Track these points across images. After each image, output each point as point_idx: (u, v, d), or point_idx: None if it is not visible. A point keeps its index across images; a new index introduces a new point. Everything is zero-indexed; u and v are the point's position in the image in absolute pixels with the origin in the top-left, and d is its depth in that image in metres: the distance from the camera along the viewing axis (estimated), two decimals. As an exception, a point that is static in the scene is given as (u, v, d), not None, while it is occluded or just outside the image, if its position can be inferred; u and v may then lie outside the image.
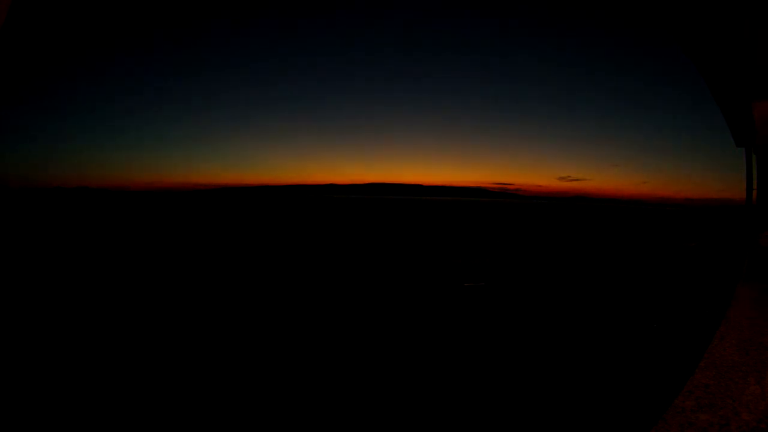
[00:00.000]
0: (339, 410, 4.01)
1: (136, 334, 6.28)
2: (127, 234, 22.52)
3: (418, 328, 6.73)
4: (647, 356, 5.36)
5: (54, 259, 13.49)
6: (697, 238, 26.17)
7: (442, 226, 34.31)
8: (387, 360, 5.30)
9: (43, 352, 5.44)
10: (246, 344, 5.86)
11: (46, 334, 6.27)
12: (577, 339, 6.19)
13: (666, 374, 4.58)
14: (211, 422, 3.79)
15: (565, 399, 4.21)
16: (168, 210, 55.10)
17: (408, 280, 10.81)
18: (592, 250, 18.83)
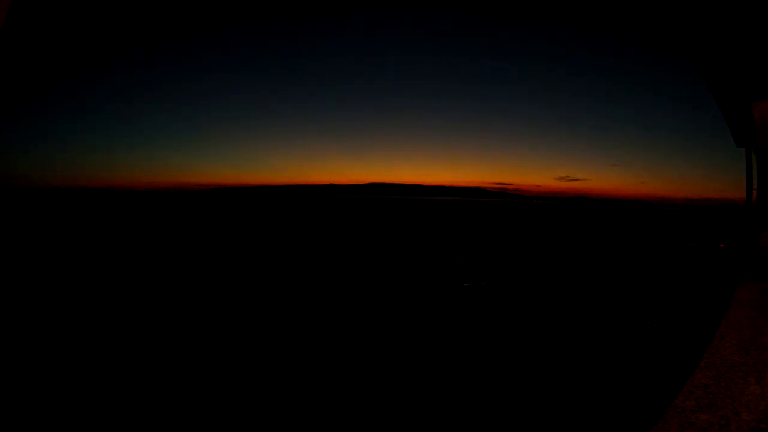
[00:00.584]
0: (340, 409, 4.01)
1: (137, 333, 6.28)
2: (128, 234, 22.51)
3: (419, 327, 6.73)
4: (647, 356, 5.36)
5: (54, 259, 13.48)
6: (697, 238, 26.16)
7: (442, 226, 34.31)
8: (387, 359, 5.29)
9: (43, 352, 5.44)
10: (246, 344, 5.86)
11: (46, 333, 6.27)
12: (577, 339, 6.19)
13: (666, 374, 4.58)
14: (211, 422, 3.78)
15: (566, 399, 4.21)
16: (168, 210, 55.08)
17: (408, 280, 10.80)
18: (592, 250, 18.82)
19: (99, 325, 6.66)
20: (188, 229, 26.75)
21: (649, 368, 4.89)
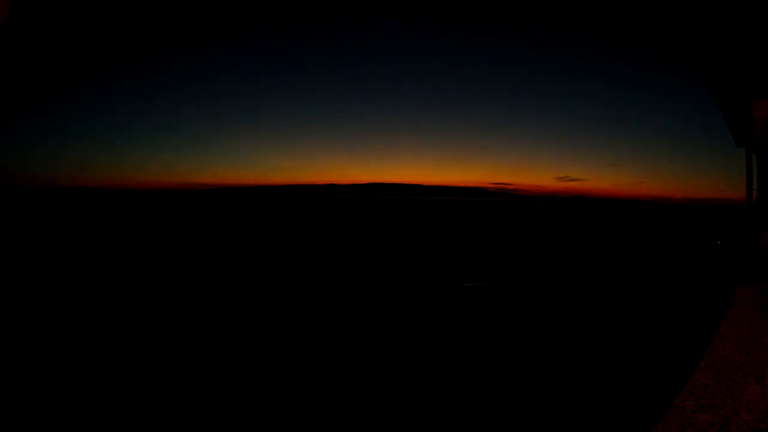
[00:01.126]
0: (340, 408, 4.01)
1: (137, 333, 6.28)
2: (128, 234, 22.51)
3: (419, 327, 6.73)
4: (647, 356, 5.36)
5: (54, 258, 13.48)
6: (697, 238, 26.16)
7: (442, 226, 34.31)
8: (388, 359, 5.29)
9: (43, 351, 5.43)
10: (247, 342, 5.86)
11: (46, 333, 6.27)
12: (578, 339, 6.19)
13: (666, 374, 4.58)
14: (211, 421, 3.78)
15: (566, 398, 4.21)
16: (168, 210, 55.07)
17: (408, 279, 10.80)
18: (592, 250, 18.82)
19: (99, 325, 6.66)
20: (188, 229, 26.74)
21: (649, 368, 4.89)
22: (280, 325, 6.76)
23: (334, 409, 4.02)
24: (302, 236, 22.93)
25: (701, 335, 5.35)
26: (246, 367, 5.01)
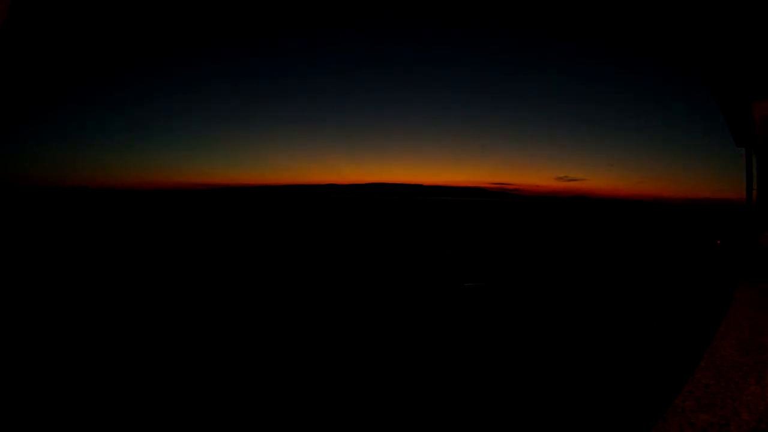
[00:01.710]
0: (339, 410, 4.01)
1: (137, 333, 6.28)
2: (128, 234, 22.51)
3: (419, 328, 6.73)
4: (647, 356, 5.36)
5: (54, 258, 13.48)
6: (697, 238, 26.17)
7: (442, 226, 34.31)
8: (387, 360, 5.29)
9: (43, 352, 5.43)
10: (246, 344, 5.86)
11: (46, 333, 6.27)
12: (577, 339, 6.19)
13: (666, 374, 4.58)
14: (211, 422, 3.78)
15: (566, 399, 4.21)
16: (168, 210, 55.08)
17: (408, 280, 10.80)
18: (592, 249, 18.83)
19: (99, 325, 6.66)
20: (188, 229, 26.74)
21: (649, 368, 4.89)
22: (280, 325, 6.76)
23: (333, 409, 4.01)
24: (302, 236, 22.92)
25: (701, 335, 5.35)
26: (246, 367, 5.01)
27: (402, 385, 4.56)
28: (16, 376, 4.70)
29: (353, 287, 9.86)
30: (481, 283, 10.49)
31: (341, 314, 7.52)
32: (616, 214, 72.43)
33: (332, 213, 55.71)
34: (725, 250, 17.59)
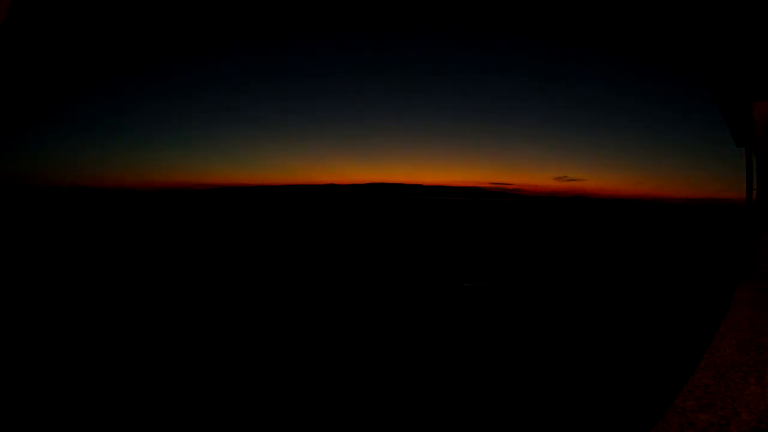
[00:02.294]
0: (338, 410, 4.01)
1: (136, 334, 6.28)
2: (127, 234, 22.52)
3: (418, 327, 6.73)
4: (647, 356, 5.37)
5: (54, 258, 13.49)
6: (697, 238, 26.18)
7: (442, 226, 34.32)
8: (387, 359, 5.30)
9: (42, 353, 5.44)
10: (246, 344, 5.86)
11: (45, 334, 6.27)
12: (577, 339, 6.19)
13: (666, 374, 4.58)
14: (210, 422, 3.79)
15: (565, 399, 4.21)
16: (168, 210, 55.11)
17: (408, 280, 10.81)
18: (591, 249, 18.84)
19: (99, 325, 6.66)
20: (188, 229, 26.75)
21: (649, 368, 4.89)
22: (280, 325, 6.76)
23: (333, 409, 4.02)
24: (302, 236, 22.93)
25: (701, 335, 5.35)
26: (246, 367, 5.01)
27: (401, 385, 4.56)
28: (15, 376, 4.70)
29: (353, 287, 9.86)
30: (481, 283, 10.49)
31: (341, 314, 7.52)
32: (616, 214, 72.45)
33: (332, 213, 55.72)
34: (725, 250, 17.59)
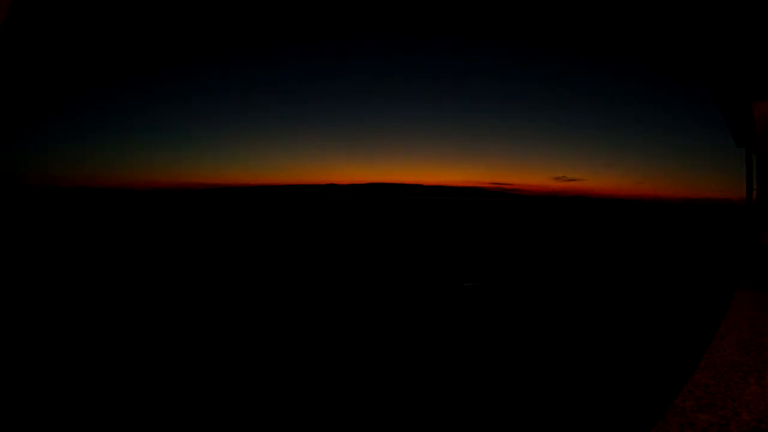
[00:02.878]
0: (339, 408, 4.01)
1: (136, 334, 6.28)
2: (128, 234, 22.53)
3: (418, 327, 6.74)
4: (647, 356, 5.37)
5: (53, 258, 13.49)
6: (697, 238, 26.18)
7: (442, 226, 34.33)
8: (386, 359, 5.30)
9: (42, 353, 5.44)
10: (245, 344, 5.87)
11: (45, 334, 6.27)
12: (577, 339, 6.19)
13: (666, 374, 4.58)
14: (210, 423, 3.79)
15: (565, 399, 4.21)
16: (168, 210, 55.11)
17: (408, 279, 10.81)
18: (591, 249, 18.84)
19: (98, 326, 6.67)
20: (188, 229, 26.76)
21: (649, 368, 4.89)
22: (280, 325, 6.76)
23: (332, 409, 4.02)
24: (302, 236, 22.93)
25: (701, 335, 5.35)
26: (246, 367, 5.01)
27: (401, 385, 4.56)
28: (15, 376, 4.71)
29: (353, 287, 9.86)
30: (481, 283, 10.49)
31: (340, 314, 7.52)
32: (616, 214, 72.46)
33: (332, 213, 55.72)
34: (725, 250, 17.60)
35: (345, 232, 26.29)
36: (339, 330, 6.54)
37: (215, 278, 10.82)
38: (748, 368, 1.99)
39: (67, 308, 7.63)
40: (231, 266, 12.67)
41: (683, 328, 6.51)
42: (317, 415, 3.92)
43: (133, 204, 79.27)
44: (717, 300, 7.64)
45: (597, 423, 3.71)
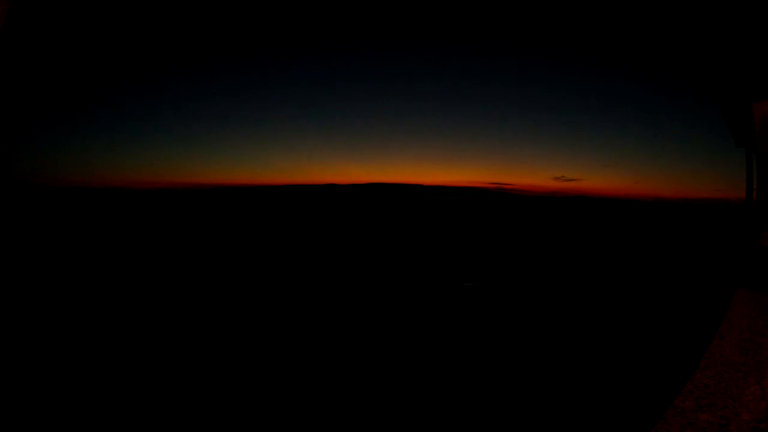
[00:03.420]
0: (337, 410, 4.01)
1: (136, 334, 6.29)
2: (127, 234, 22.53)
3: (418, 327, 6.74)
4: (647, 356, 5.37)
5: (53, 258, 13.49)
6: (697, 238, 26.19)
7: (442, 226, 34.34)
8: (386, 359, 5.30)
9: (42, 353, 5.44)
10: (245, 344, 5.87)
11: (45, 334, 6.27)
12: (577, 338, 6.19)
13: (666, 374, 4.58)
14: (210, 423, 3.79)
15: (565, 399, 4.22)
16: (168, 210, 55.10)
17: (408, 279, 10.82)
18: (591, 249, 18.84)
19: (98, 326, 6.67)
20: (188, 229, 26.77)
21: (649, 368, 4.90)
22: (280, 325, 6.77)
23: (332, 409, 4.02)
24: (302, 236, 22.95)
25: (701, 335, 5.36)
26: (245, 367, 5.02)
27: (401, 385, 4.56)
28: (15, 376, 4.71)
29: (352, 287, 9.87)
30: (481, 283, 10.50)
31: (340, 314, 7.53)
32: (615, 214, 72.50)
33: (332, 213, 55.73)
34: (725, 250, 17.60)
35: (345, 232, 26.29)
36: (339, 330, 6.55)
37: (215, 278, 10.83)
38: (748, 368, 1.99)
39: (68, 308, 7.64)
40: (231, 266, 12.67)
41: (683, 328, 6.51)
42: (317, 415, 3.92)
43: (133, 204, 79.27)
44: (717, 300, 7.64)
45: (597, 423, 3.71)
